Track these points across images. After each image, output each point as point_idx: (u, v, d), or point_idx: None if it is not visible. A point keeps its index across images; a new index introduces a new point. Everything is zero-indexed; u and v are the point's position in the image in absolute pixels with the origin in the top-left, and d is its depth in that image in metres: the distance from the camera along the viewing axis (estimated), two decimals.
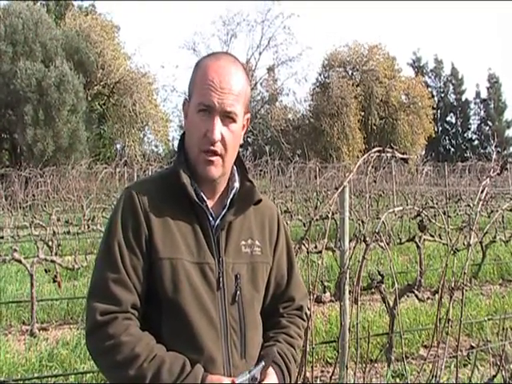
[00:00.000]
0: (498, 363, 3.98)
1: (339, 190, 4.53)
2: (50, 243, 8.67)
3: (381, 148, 4.43)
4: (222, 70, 1.72)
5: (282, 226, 1.96)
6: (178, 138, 1.87)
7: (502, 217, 10.47)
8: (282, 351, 1.84)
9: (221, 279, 1.73)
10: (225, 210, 1.79)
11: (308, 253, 3.98)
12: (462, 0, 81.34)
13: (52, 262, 7.20)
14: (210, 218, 1.76)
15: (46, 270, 7.35)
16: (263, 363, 1.72)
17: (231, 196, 1.81)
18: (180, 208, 1.74)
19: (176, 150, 1.85)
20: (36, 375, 5.09)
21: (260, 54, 48.77)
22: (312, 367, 3.96)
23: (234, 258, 1.77)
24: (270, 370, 1.76)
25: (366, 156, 4.38)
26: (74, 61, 31.89)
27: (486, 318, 6.07)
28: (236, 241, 1.79)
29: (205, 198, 1.76)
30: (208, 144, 1.71)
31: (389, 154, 4.52)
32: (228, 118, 1.73)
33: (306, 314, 2.02)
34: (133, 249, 1.68)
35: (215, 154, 1.72)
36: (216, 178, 1.76)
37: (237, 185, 1.83)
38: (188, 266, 1.69)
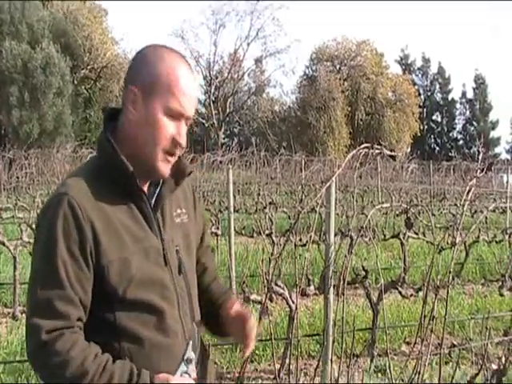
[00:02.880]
0: (480, 362, 4.02)
1: (327, 185, 4.55)
2: (34, 226, 8.60)
3: (369, 144, 4.45)
4: (190, 76, 1.74)
5: (192, 187, 2.04)
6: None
7: (486, 217, 10.57)
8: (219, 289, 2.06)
9: (166, 256, 1.76)
10: (158, 189, 1.80)
11: (295, 246, 3.98)
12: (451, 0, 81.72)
13: None
14: (147, 201, 1.76)
15: (30, 253, 7.29)
16: (191, 342, 1.79)
17: None
18: (117, 198, 1.71)
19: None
20: (17, 359, 5.05)
21: (248, 44, 48.81)
22: (297, 360, 3.96)
23: (171, 231, 1.81)
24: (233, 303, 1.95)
25: (354, 152, 4.39)
26: (61, 43, 31.65)
27: (468, 317, 6.13)
28: (169, 214, 1.83)
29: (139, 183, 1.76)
30: (174, 147, 1.73)
31: (376, 151, 4.54)
32: (186, 121, 1.76)
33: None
34: (78, 261, 1.62)
35: (174, 155, 1.75)
36: (167, 175, 1.78)
37: None
38: (137, 257, 1.69)
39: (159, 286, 1.74)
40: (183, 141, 1.74)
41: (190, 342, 1.80)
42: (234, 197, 11.13)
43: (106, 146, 1.74)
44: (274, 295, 6.12)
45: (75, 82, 34.65)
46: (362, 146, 4.24)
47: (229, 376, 4.99)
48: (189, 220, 1.91)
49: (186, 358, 1.77)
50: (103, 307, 1.68)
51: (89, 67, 37.19)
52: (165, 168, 1.75)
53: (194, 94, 1.76)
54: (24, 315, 6.44)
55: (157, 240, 1.76)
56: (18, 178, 18.24)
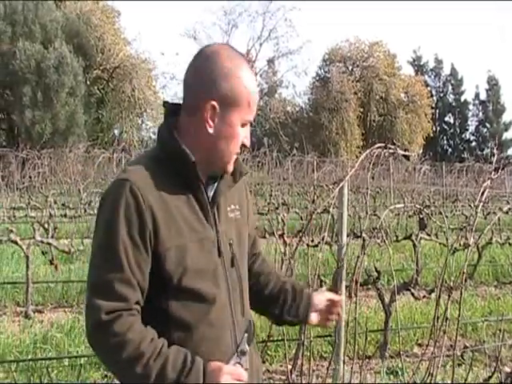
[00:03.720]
0: (494, 364, 4.00)
1: (340, 185, 4.54)
2: (47, 226, 8.64)
3: (383, 144, 4.43)
4: (256, 84, 1.87)
5: (247, 186, 2.12)
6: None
7: (499, 219, 10.50)
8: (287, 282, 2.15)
9: (220, 247, 1.81)
10: (216, 184, 1.86)
11: (308, 246, 3.98)
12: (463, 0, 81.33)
13: (48, 244, 7.19)
14: (205, 193, 1.82)
15: (42, 252, 7.34)
16: (246, 334, 1.84)
17: None
18: (176, 188, 1.76)
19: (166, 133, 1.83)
20: (30, 357, 5.08)
21: (260, 45, 48.80)
22: (309, 361, 3.95)
23: (226, 225, 1.87)
24: (311, 293, 2.12)
25: (368, 151, 4.37)
26: (74, 44, 31.70)
27: (481, 319, 6.09)
28: (224, 208, 1.88)
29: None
30: (239, 148, 1.84)
31: (390, 151, 4.52)
32: None
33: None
34: (138, 246, 1.68)
35: (238, 154, 1.87)
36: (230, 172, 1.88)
37: None
38: (192, 247, 1.74)
39: (212, 277, 1.79)
40: (249, 143, 1.86)
41: (245, 335, 1.85)
42: None
43: (169, 139, 1.80)
44: None
45: (88, 82, 34.71)
46: (376, 145, 4.23)
47: None
48: (241, 217, 1.97)
49: (240, 349, 1.81)
50: (157, 294, 1.73)
51: (101, 67, 37.23)
52: (231, 167, 1.86)
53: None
54: (37, 314, 6.50)
55: (212, 231, 1.81)
56: (30, 177, 18.32)
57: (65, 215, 11.88)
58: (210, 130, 1.78)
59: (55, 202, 11.62)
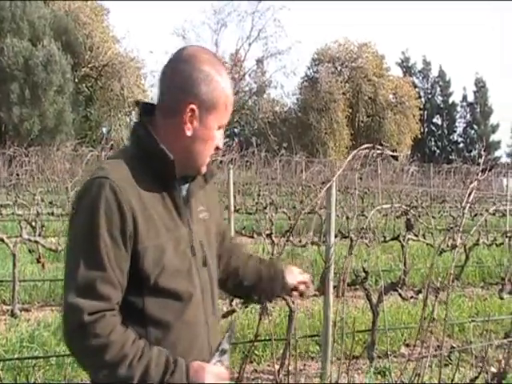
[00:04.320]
0: (480, 365, 4.01)
1: (327, 186, 4.54)
2: (34, 224, 8.59)
3: (371, 145, 4.44)
4: (232, 86, 1.88)
5: (215, 187, 2.20)
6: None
7: (486, 220, 10.56)
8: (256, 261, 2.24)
9: (193, 246, 1.82)
10: (188, 184, 1.87)
11: (297, 246, 3.98)
12: (452, 0, 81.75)
13: (35, 242, 7.13)
14: (180, 192, 1.83)
15: (29, 251, 7.29)
16: (228, 333, 1.85)
17: None
18: (152, 186, 1.76)
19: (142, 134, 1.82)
20: (16, 356, 5.04)
21: (249, 45, 48.81)
22: (297, 361, 3.95)
23: (197, 226, 1.87)
24: (284, 274, 2.21)
25: (356, 152, 4.38)
26: (62, 41, 31.59)
27: (468, 320, 6.12)
28: (195, 209, 1.89)
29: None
30: (213, 152, 1.87)
31: (378, 152, 4.53)
32: None
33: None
34: (118, 245, 1.65)
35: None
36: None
37: None
38: (169, 246, 1.74)
39: (187, 276, 1.79)
40: (222, 145, 1.90)
41: (227, 334, 1.86)
42: (234, 197, 11.12)
43: (147, 137, 1.79)
44: None
45: (76, 79, 34.61)
46: (364, 146, 4.24)
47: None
48: (210, 218, 1.97)
49: (221, 348, 1.81)
50: (134, 294, 1.71)
51: (90, 65, 37.12)
52: (205, 168, 1.89)
53: None
54: (23, 313, 6.44)
55: (186, 231, 1.82)
56: (17, 175, 18.19)
57: (52, 213, 11.82)
58: (189, 133, 1.79)
59: (42, 200, 11.56)
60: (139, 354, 1.62)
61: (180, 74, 1.78)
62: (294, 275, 2.26)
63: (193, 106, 1.77)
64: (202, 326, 1.82)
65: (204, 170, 1.87)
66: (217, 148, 1.86)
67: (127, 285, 1.70)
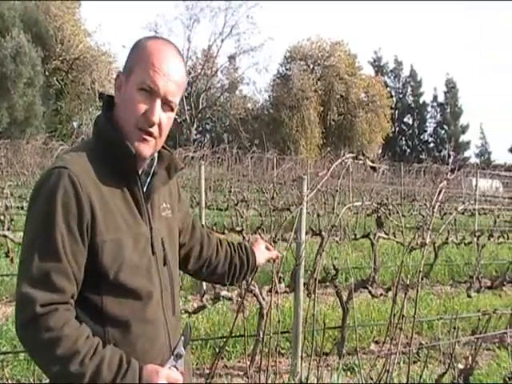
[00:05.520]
0: (448, 361, 4.06)
1: (304, 184, 4.56)
2: (2, 217, 8.47)
3: (354, 154, 4.46)
4: (170, 58, 1.75)
5: (178, 182, 2.10)
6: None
7: (455, 219, 10.68)
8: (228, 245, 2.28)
9: (153, 245, 1.78)
10: (149, 178, 1.82)
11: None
12: (424, 1, 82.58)
13: (4, 236, 7.03)
14: (140, 187, 1.78)
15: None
16: (183, 338, 1.81)
17: (155, 164, 1.84)
18: (112, 180, 1.72)
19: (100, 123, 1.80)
20: None
21: (222, 41, 48.71)
22: (268, 357, 3.94)
23: (158, 223, 1.83)
24: (254, 255, 2.31)
25: (340, 161, 4.40)
26: (32, 33, 31.19)
27: (437, 317, 6.18)
28: (157, 206, 1.85)
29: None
30: (146, 124, 1.73)
31: (360, 162, 4.54)
32: (167, 105, 1.76)
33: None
34: (75, 236, 1.61)
35: (150, 135, 1.74)
36: (146, 156, 1.77)
37: (155, 153, 1.84)
38: (128, 242, 1.70)
39: (147, 273, 1.75)
40: (154, 118, 1.72)
41: (182, 338, 1.81)
42: (206, 193, 11.07)
43: (108, 129, 1.75)
44: (244, 291, 6.10)
45: (47, 72, 34.18)
46: (348, 155, 4.25)
47: (198, 372, 4.96)
48: (172, 216, 1.93)
49: (176, 352, 1.77)
50: (91, 290, 1.67)
51: (61, 58, 36.67)
52: (143, 148, 1.74)
53: (173, 76, 1.75)
54: None
55: (146, 228, 1.77)
56: None
57: (21, 207, 11.68)
58: (116, 100, 1.78)
59: (12, 194, 11.38)
60: (92, 351, 1.57)
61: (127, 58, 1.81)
62: (263, 253, 2.37)
63: (119, 74, 1.79)
64: (161, 326, 1.78)
65: (140, 148, 1.73)
66: (149, 120, 1.71)
67: (85, 281, 1.65)
